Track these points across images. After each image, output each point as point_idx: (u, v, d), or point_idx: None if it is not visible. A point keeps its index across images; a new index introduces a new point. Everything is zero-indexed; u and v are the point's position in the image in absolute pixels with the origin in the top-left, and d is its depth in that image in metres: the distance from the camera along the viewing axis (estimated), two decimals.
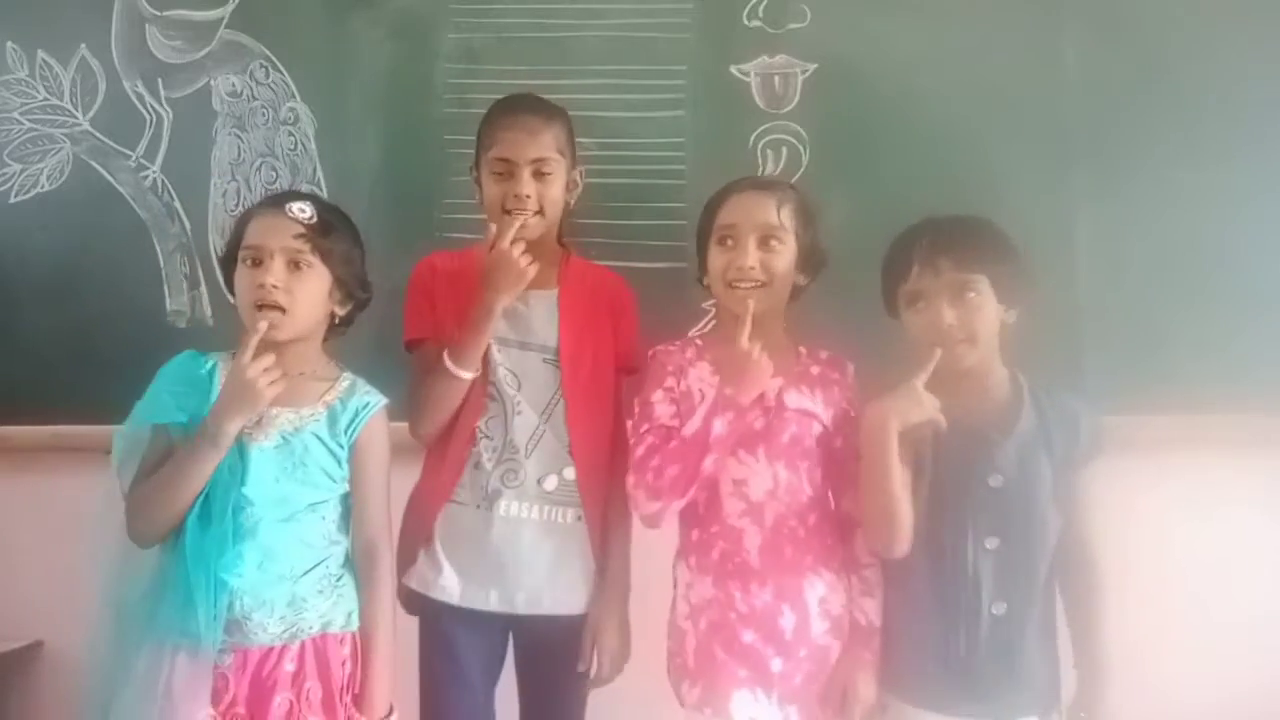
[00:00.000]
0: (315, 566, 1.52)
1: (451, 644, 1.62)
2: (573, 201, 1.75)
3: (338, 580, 1.54)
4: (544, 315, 1.67)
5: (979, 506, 1.50)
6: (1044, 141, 2.08)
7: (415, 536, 1.65)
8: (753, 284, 1.57)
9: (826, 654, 1.55)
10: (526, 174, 1.64)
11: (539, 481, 1.63)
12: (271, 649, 1.47)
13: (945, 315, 1.50)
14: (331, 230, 1.56)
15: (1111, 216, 2.06)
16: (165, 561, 1.46)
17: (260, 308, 1.49)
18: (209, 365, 1.53)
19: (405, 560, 1.65)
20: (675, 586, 1.63)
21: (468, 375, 1.59)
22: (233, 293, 1.57)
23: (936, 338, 1.51)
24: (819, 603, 1.55)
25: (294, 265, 1.51)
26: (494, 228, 1.62)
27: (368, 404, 1.58)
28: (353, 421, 1.56)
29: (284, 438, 1.51)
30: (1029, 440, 1.52)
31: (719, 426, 1.49)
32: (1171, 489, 1.98)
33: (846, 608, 1.57)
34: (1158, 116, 2.07)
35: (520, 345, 1.66)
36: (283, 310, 1.49)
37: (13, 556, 2.06)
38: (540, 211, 1.65)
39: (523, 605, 1.62)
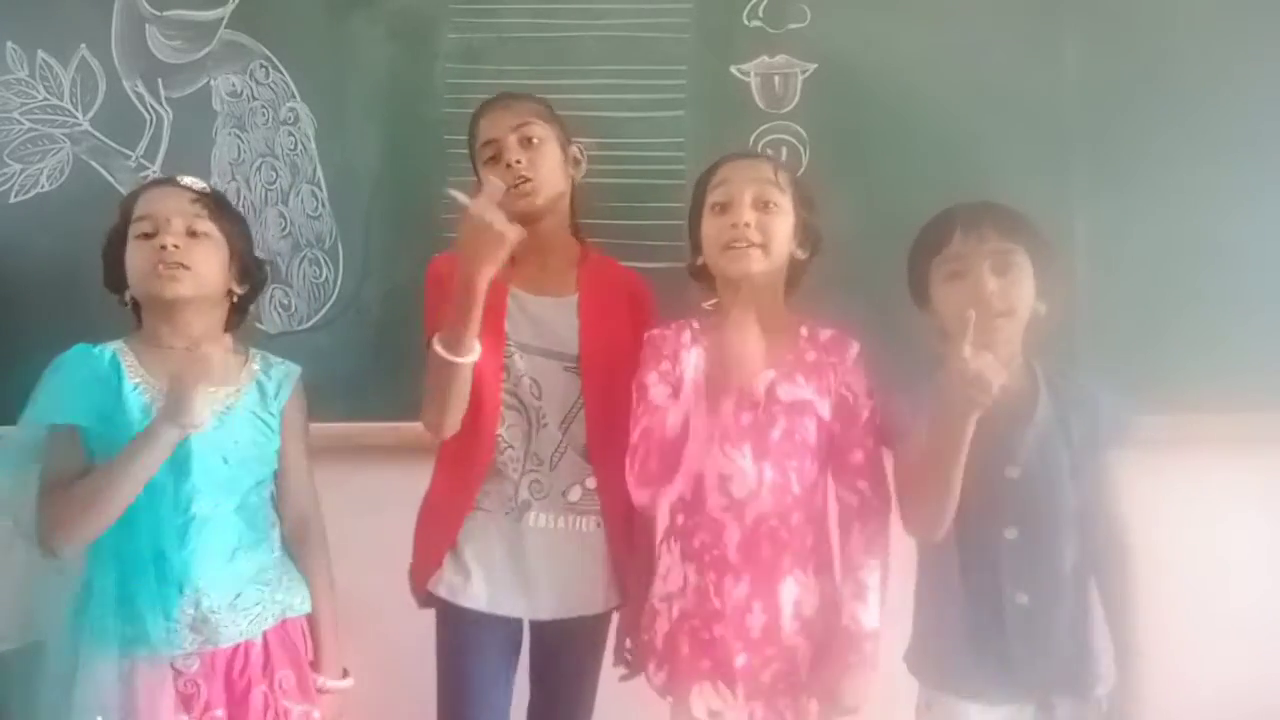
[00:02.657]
0: (266, 551, 1.52)
1: (475, 646, 1.63)
2: (578, 178, 1.74)
3: (284, 564, 1.55)
4: (565, 321, 1.66)
5: (996, 497, 1.48)
6: (1044, 141, 2.08)
7: (437, 543, 1.64)
8: (748, 244, 1.53)
9: (794, 654, 1.53)
10: (512, 140, 1.63)
11: (564, 493, 1.63)
12: (238, 646, 1.45)
13: (988, 282, 1.47)
14: (225, 207, 1.56)
15: (1111, 216, 2.06)
16: (100, 570, 1.39)
17: (159, 269, 1.46)
18: (107, 356, 1.49)
19: (425, 566, 1.65)
20: (658, 566, 1.63)
21: (463, 360, 1.49)
22: (116, 287, 1.54)
23: (979, 307, 1.45)
24: (793, 604, 1.53)
25: (191, 232, 1.49)
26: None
27: (289, 373, 1.59)
28: (278, 391, 1.56)
29: (219, 419, 1.48)
30: (1046, 429, 1.51)
31: (696, 419, 1.45)
32: (1170, 488, 1.97)
33: (820, 611, 1.55)
34: (1158, 116, 2.07)
35: (542, 353, 1.65)
36: (186, 268, 1.47)
37: (12, 556, 2.06)
38: (535, 179, 1.62)
39: (547, 612, 1.63)
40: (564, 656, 1.67)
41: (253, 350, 1.60)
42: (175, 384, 1.38)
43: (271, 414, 1.54)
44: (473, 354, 1.50)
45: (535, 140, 1.65)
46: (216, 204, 1.54)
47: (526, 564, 1.61)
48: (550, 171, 1.66)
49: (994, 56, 2.08)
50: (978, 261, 1.49)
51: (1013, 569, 1.49)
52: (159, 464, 1.38)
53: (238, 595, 1.45)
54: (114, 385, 1.45)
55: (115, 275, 1.54)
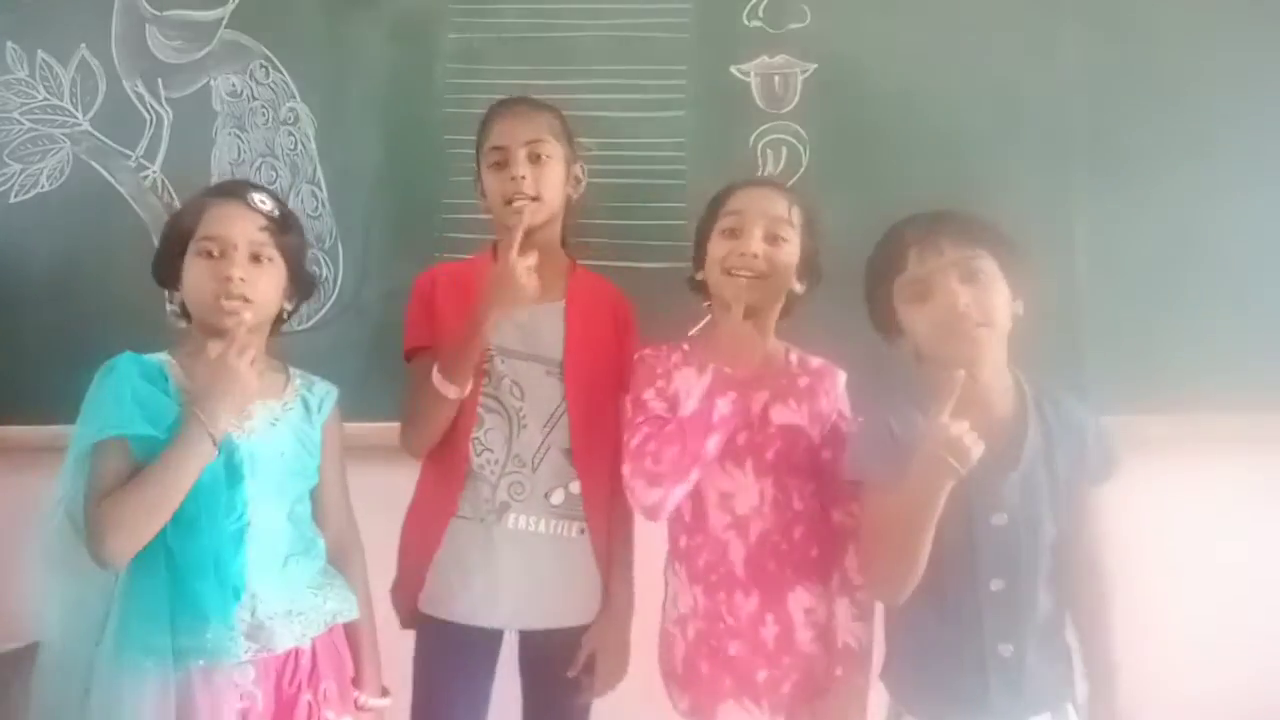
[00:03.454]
0: (315, 558, 1.52)
1: (449, 656, 1.62)
2: (575, 196, 1.74)
3: (329, 571, 1.55)
4: (550, 327, 1.66)
5: (981, 547, 1.40)
6: (1044, 141, 2.08)
7: (420, 554, 1.64)
8: (752, 274, 1.53)
9: (811, 662, 1.53)
10: (521, 155, 1.64)
11: (546, 496, 1.63)
12: (289, 653, 1.45)
13: (960, 295, 1.36)
14: (290, 225, 1.54)
15: (1111, 216, 2.06)
16: (151, 577, 1.37)
17: (223, 302, 1.44)
18: (155, 366, 1.46)
19: (409, 579, 1.64)
20: (665, 590, 1.62)
21: (454, 394, 1.57)
22: (166, 284, 1.52)
23: (951, 325, 1.36)
24: (805, 613, 1.53)
25: (255, 258, 1.48)
26: (502, 243, 1.60)
27: (329, 392, 1.59)
28: (320, 407, 1.56)
29: (268, 430, 1.49)
30: (1033, 468, 1.41)
31: (723, 406, 1.45)
32: (1172, 488, 1.97)
33: (831, 620, 1.55)
34: (1158, 116, 2.07)
35: (525, 357, 1.65)
36: (249, 301, 1.46)
37: (12, 556, 2.06)
38: (538, 198, 1.63)
39: (529, 620, 1.62)
40: (553, 665, 1.65)
41: (291, 369, 1.59)
42: (205, 392, 1.39)
43: (314, 429, 1.55)
44: (465, 390, 1.58)
45: (544, 157, 1.65)
46: (284, 226, 1.52)
47: (506, 571, 1.60)
48: (552, 190, 1.66)
49: (994, 56, 2.08)
50: (942, 277, 1.38)
51: (997, 621, 1.41)
52: (198, 469, 1.37)
53: (291, 602, 1.45)
54: (167, 394, 1.43)
55: (168, 274, 1.51)
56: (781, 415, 1.55)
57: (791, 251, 1.57)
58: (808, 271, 1.61)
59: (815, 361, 1.63)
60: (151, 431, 1.38)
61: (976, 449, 1.30)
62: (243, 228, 1.47)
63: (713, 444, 1.46)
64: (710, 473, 1.51)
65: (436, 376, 1.56)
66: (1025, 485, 1.41)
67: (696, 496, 1.54)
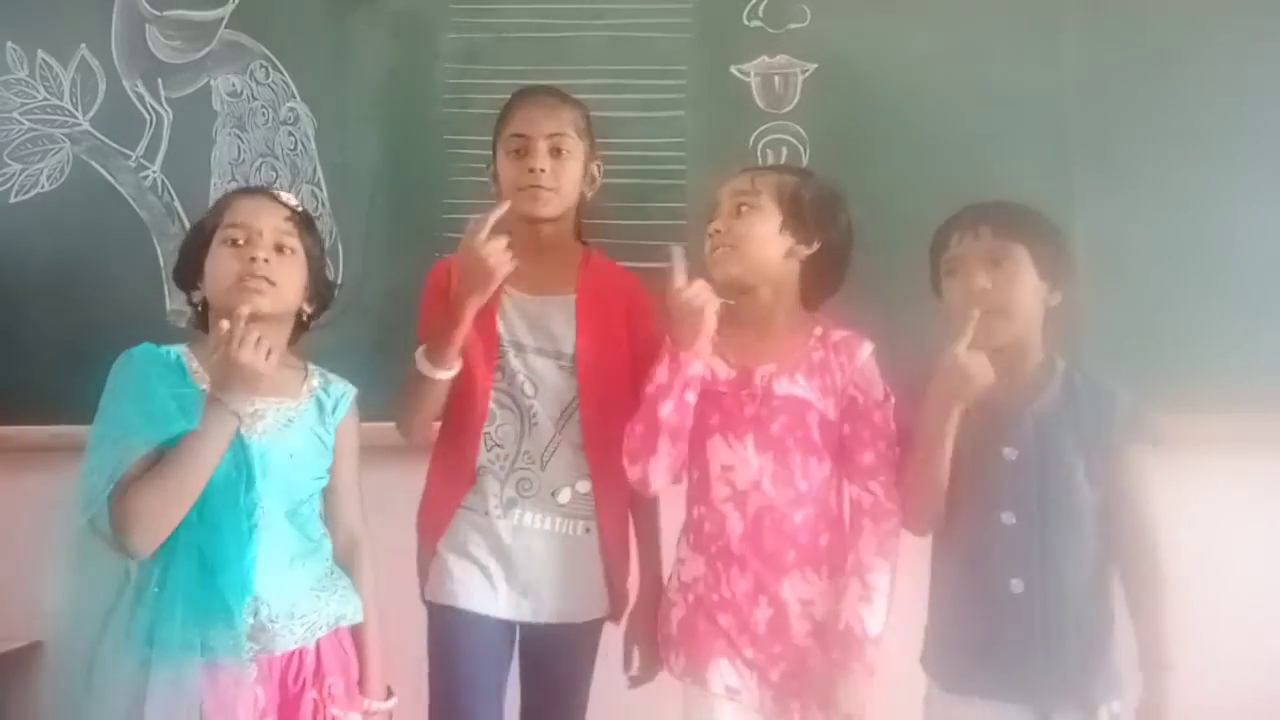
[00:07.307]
0: (321, 560, 1.53)
1: (464, 646, 1.62)
2: (589, 194, 1.74)
3: (335, 574, 1.55)
4: (562, 320, 1.66)
5: (993, 479, 1.50)
6: (1044, 141, 2.08)
7: (429, 543, 1.65)
8: (724, 247, 1.58)
9: (805, 656, 1.52)
10: (543, 148, 1.63)
11: (553, 494, 1.63)
12: (293, 652, 1.45)
13: (979, 279, 1.51)
14: (312, 225, 1.57)
15: (1111, 216, 2.05)
16: (160, 573, 1.38)
17: (245, 282, 1.45)
18: (173, 358, 1.48)
19: (421, 567, 1.66)
20: (675, 561, 1.64)
21: (441, 376, 1.57)
22: (186, 284, 1.54)
23: (970, 304, 1.51)
24: (801, 604, 1.53)
25: (279, 248, 1.49)
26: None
27: (345, 392, 1.60)
28: (336, 408, 1.57)
29: (280, 431, 1.49)
30: (1050, 415, 1.51)
31: (668, 379, 1.50)
32: (1173, 488, 1.97)
33: (834, 613, 1.52)
34: (1158, 115, 2.07)
35: (537, 351, 1.65)
36: (272, 284, 1.47)
37: (13, 556, 2.06)
38: (556, 190, 1.63)
39: (529, 614, 1.63)
40: (553, 661, 1.66)
41: (310, 365, 1.60)
42: (217, 382, 1.40)
43: (328, 431, 1.55)
44: (450, 371, 1.58)
45: (564, 152, 1.65)
46: (305, 222, 1.55)
47: (511, 564, 1.61)
48: (569, 185, 1.66)
49: (994, 56, 2.09)
50: (973, 261, 1.53)
51: (1007, 554, 1.48)
52: (220, 452, 1.38)
53: (294, 604, 1.45)
54: (190, 384, 1.44)
55: (189, 272, 1.53)
56: (784, 388, 1.56)
57: (758, 220, 1.59)
58: (799, 240, 1.62)
59: (838, 335, 1.60)
60: (190, 426, 1.37)
61: (984, 375, 1.45)
62: (268, 217, 1.50)
63: (668, 409, 1.50)
64: (713, 445, 1.56)
65: (421, 361, 1.57)
66: (1040, 427, 1.51)
67: (702, 466, 1.57)
